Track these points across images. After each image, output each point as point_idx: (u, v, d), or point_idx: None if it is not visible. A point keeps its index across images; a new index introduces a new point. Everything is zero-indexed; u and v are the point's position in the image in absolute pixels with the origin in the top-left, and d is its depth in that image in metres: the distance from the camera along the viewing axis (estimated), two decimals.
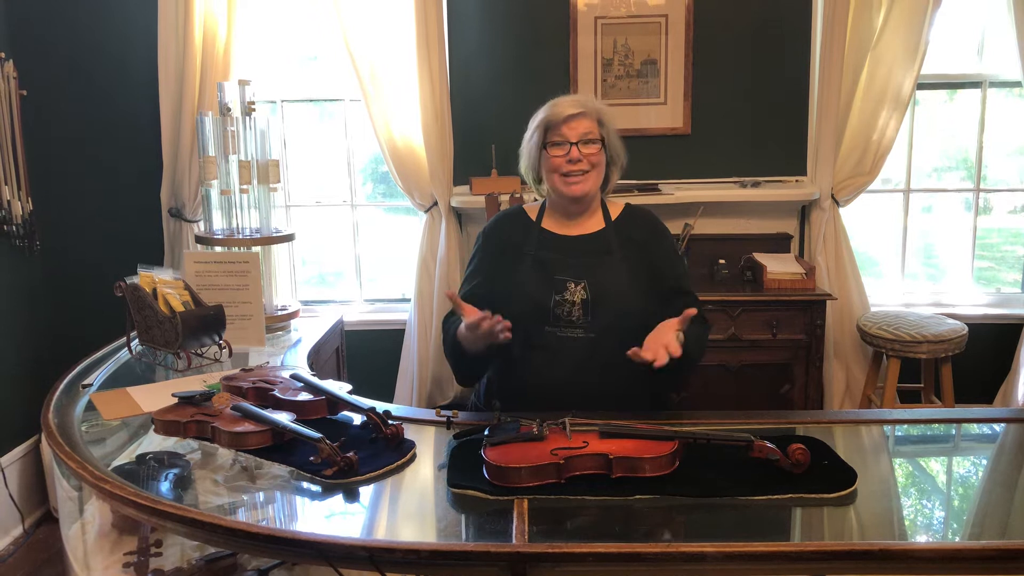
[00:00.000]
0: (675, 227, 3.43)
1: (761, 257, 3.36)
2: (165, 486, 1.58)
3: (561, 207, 2.09)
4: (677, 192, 3.41)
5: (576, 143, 1.97)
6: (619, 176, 2.13)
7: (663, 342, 1.74)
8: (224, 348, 2.29)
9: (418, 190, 3.50)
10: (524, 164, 2.11)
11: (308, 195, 3.86)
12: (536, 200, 2.21)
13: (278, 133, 3.70)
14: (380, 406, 1.73)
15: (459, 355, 1.98)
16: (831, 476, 1.50)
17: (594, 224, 2.09)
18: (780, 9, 3.49)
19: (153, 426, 1.69)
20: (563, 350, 1.96)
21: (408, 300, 3.67)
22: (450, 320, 2.05)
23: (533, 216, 2.13)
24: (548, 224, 2.10)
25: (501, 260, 2.07)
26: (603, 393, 1.95)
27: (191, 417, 1.65)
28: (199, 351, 2.27)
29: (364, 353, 3.60)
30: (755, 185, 3.51)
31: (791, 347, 3.17)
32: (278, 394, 1.77)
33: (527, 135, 2.07)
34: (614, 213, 2.12)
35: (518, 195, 3.28)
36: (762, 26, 3.51)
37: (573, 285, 1.97)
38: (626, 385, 2.00)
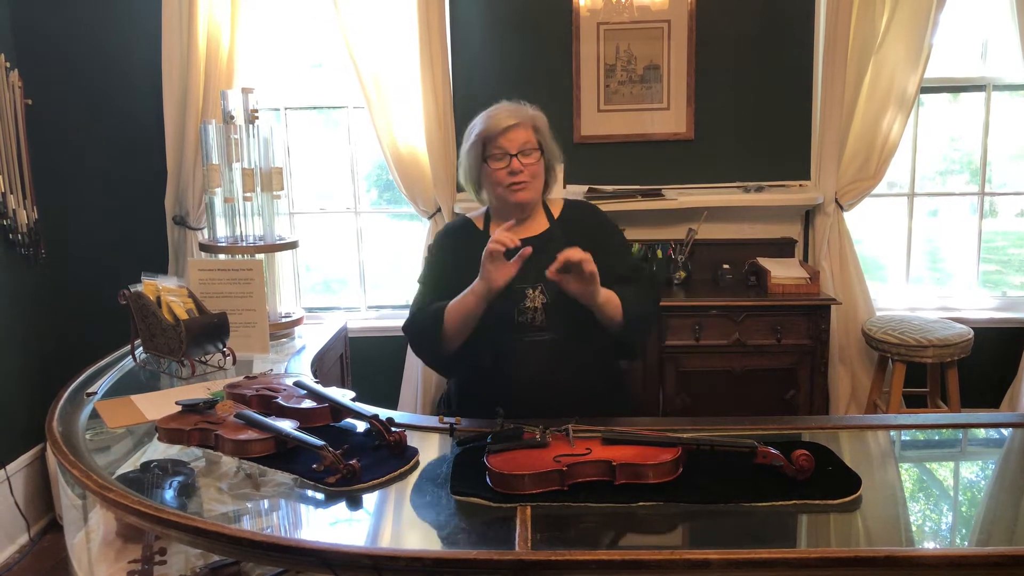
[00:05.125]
0: (679, 232, 3.44)
1: (765, 262, 3.35)
2: (169, 494, 1.58)
3: (508, 214, 2.09)
4: (681, 197, 3.41)
5: (516, 155, 1.99)
6: (557, 175, 2.16)
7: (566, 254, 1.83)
8: (228, 356, 2.29)
9: (421, 197, 3.51)
10: (463, 175, 2.12)
11: (312, 202, 3.86)
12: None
13: (282, 140, 3.71)
14: (383, 413, 1.73)
15: (439, 336, 1.98)
16: (836, 482, 1.49)
17: (539, 225, 2.12)
18: (783, 13, 3.49)
19: (157, 434, 1.69)
20: (530, 354, 1.99)
21: None
22: (425, 309, 2.05)
23: (480, 225, 2.15)
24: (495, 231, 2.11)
25: (454, 276, 2.04)
26: (575, 389, 1.99)
27: (195, 425, 1.65)
28: (203, 359, 2.27)
29: (368, 360, 3.60)
30: (759, 190, 3.50)
31: (796, 352, 3.16)
32: (281, 402, 1.77)
33: (464, 147, 2.08)
34: (555, 211, 2.15)
35: None
36: (765, 31, 3.51)
37: (531, 291, 2.00)
38: (595, 377, 2.05)
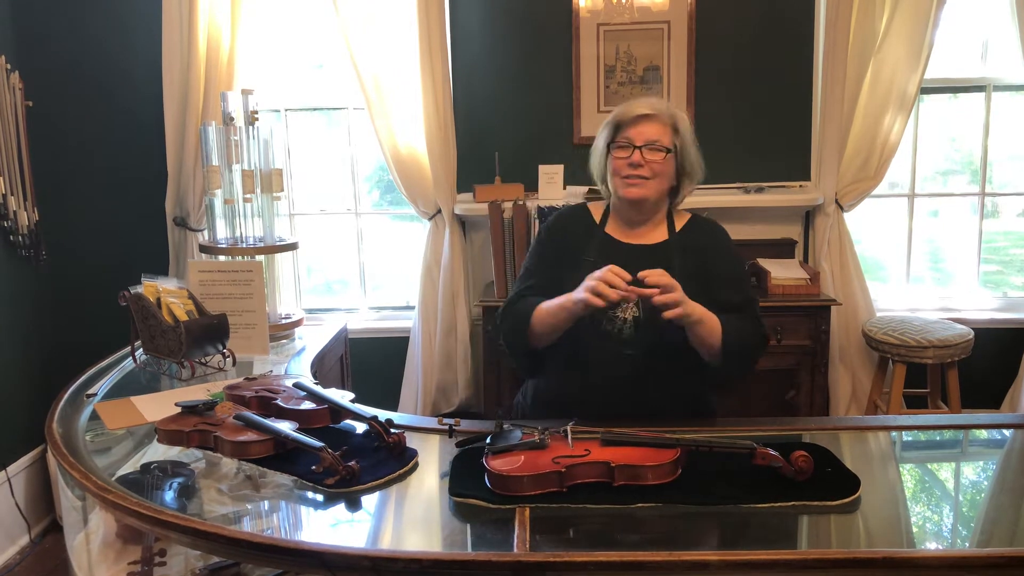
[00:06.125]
0: None
1: (765, 263, 3.35)
2: (169, 496, 1.58)
3: (624, 213, 2.03)
4: None
5: (640, 147, 1.91)
6: (692, 189, 2.06)
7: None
8: (228, 357, 2.29)
9: (422, 198, 3.51)
10: (592, 162, 2.06)
11: (313, 203, 3.87)
12: (589, 201, 2.18)
13: (282, 142, 3.72)
14: (383, 415, 1.73)
15: (527, 337, 1.92)
16: (835, 483, 1.49)
17: (658, 235, 2.02)
18: (783, 14, 3.49)
19: (157, 436, 1.69)
20: (611, 365, 1.92)
21: (412, 308, 3.67)
22: (521, 302, 1.97)
23: (597, 217, 2.07)
24: (611, 230, 2.05)
25: (562, 262, 2.00)
26: (648, 407, 1.90)
27: (194, 427, 1.65)
28: (203, 360, 2.28)
29: (368, 361, 3.60)
30: (759, 191, 3.50)
31: (796, 353, 3.16)
32: (281, 403, 1.76)
33: (599, 131, 2.03)
34: (679, 224, 2.05)
35: (522, 202, 3.28)
36: (765, 31, 3.51)
37: (626, 302, 1.89)
38: (670, 401, 1.95)
